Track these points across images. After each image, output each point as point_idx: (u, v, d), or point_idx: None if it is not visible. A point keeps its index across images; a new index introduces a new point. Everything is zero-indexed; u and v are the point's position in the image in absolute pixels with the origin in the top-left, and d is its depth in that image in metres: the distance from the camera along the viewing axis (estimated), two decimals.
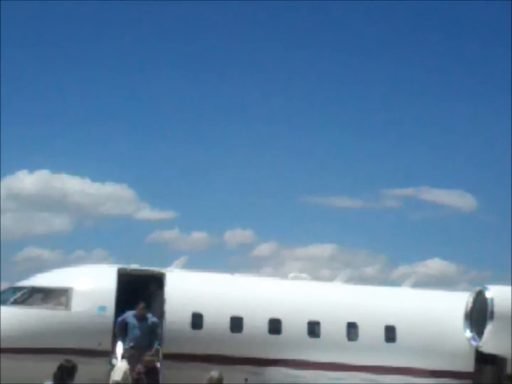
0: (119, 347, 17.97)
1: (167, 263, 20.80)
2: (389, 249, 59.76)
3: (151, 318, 18.31)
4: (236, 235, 59.28)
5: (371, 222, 57.92)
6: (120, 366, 16.97)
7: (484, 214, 56.40)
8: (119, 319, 18.02)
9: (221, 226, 60.10)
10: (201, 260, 53.08)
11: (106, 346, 17.90)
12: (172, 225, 64.65)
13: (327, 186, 58.26)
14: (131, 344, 17.67)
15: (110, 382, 16.71)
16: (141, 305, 18.14)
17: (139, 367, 17.15)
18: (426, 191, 58.45)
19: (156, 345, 17.88)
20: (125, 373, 16.65)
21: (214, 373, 12.39)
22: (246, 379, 18.28)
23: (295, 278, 21.62)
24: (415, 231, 57.79)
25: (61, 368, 10.50)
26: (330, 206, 58.16)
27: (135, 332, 17.94)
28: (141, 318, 18.12)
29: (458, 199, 57.22)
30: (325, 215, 58.52)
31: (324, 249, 57.44)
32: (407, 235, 57.86)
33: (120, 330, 18.03)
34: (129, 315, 18.07)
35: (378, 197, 60.24)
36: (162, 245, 56.82)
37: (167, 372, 17.45)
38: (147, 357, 17.36)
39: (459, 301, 20.30)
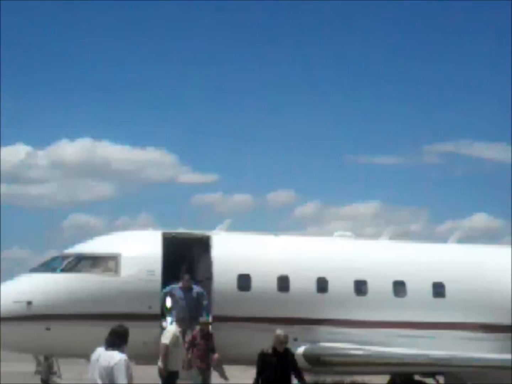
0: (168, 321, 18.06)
1: (211, 225, 20.92)
2: (433, 205, 59.61)
3: (196, 288, 18.39)
4: (279, 196, 59.39)
5: (414, 179, 57.71)
6: (170, 329, 16.85)
7: None
8: (164, 291, 18.10)
9: (264, 187, 60.34)
10: (245, 222, 53.39)
11: (156, 309, 18.09)
12: (214, 188, 65.08)
13: (368, 145, 58.13)
14: (180, 316, 17.43)
15: (160, 344, 16.59)
16: (186, 277, 18.22)
17: (194, 332, 17.15)
18: (467, 145, 57.99)
19: (205, 316, 17.74)
20: (174, 335, 16.41)
21: (280, 332, 13.64)
22: (295, 339, 18.34)
23: (340, 236, 21.60)
24: (458, 186, 57.52)
25: (113, 333, 10.54)
26: (372, 164, 58.01)
27: (181, 304, 18.04)
28: (187, 290, 18.24)
29: (500, 153, 56.70)
30: (367, 174, 58.47)
31: (368, 207, 57.44)
32: (450, 190, 57.59)
33: (163, 303, 18.18)
34: (175, 288, 18.10)
35: (420, 153, 59.90)
36: (206, 208, 57.25)
37: (216, 334, 17.57)
38: (202, 320, 17.33)
39: (506, 255, 20.16)
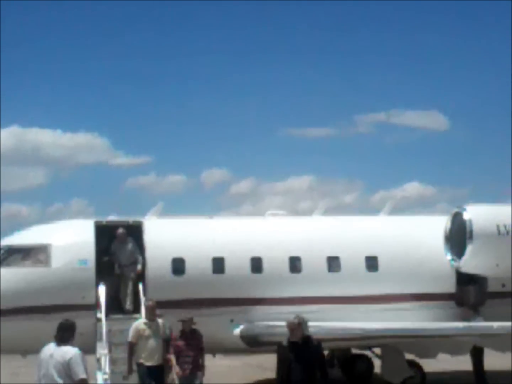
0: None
1: (146, 208, 20.97)
2: (366, 176, 60.10)
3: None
4: (213, 175, 59.31)
5: (347, 150, 58.08)
6: (133, 325, 15.85)
7: (457, 134, 56.66)
8: None
9: (197, 167, 60.12)
10: (180, 203, 53.20)
11: (90, 299, 17.91)
12: (148, 170, 64.67)
13: (300, 117, 58.23)
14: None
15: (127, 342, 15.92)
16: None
17: (172, 334, 15.58)
18: (398, 114, 58.57)
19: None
20: (135, 329, 15.51)
21: (294, 319, 11.95)
22: (232, 320, 18.41)
23: (273, 215, 21.65)
24: (390, 156, 58.10)
25: (61, 328, 10.53)
26: (304, 137, 58.20)
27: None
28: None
29: (431, 120, 57.38)
30: (300, 147, 58.61)
31: (302, 181, 57.66)
32: (383, 160, 58.12)
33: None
34: None
35: (352, 124, 60.27)
36: (140, 190, 56.86)
37: None
38: (181, 317, 15.74)
39: (437, 224, 20.37)
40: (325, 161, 56.90)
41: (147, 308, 15.80)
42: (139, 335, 15.35)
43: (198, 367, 15.07)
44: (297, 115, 58.83)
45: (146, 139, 58.08)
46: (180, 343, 15.20)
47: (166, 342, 15.27)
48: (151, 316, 15.52)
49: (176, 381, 15.09)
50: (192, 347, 15.11)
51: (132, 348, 15.43)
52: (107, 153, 58.37)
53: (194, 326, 15.54)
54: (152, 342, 15.27)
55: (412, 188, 52.72)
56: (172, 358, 15.09)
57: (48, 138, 54.77)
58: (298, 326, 11.87)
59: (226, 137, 57.68)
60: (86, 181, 57.80)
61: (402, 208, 26.01)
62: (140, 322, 15.73)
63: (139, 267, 18.52)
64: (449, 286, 19.90)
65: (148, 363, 15.14)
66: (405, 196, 47.25)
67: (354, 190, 58.74)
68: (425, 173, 60.73)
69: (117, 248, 18.81)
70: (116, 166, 58.44)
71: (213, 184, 59.56)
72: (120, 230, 18.83)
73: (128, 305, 18.46)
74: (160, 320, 15.55)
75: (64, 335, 10.44)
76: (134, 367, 15.49)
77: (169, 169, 63.29)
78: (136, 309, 18.08)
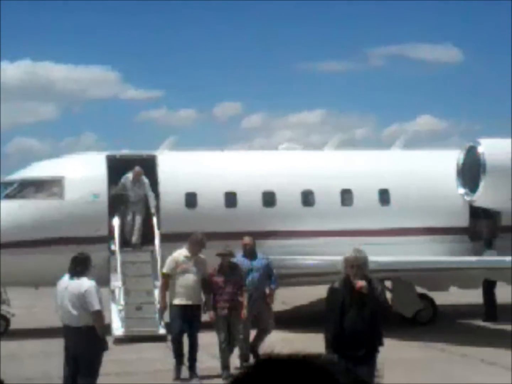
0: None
1: (158, 141, 20.95)
2: (379, 109, 59.80)
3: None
4: (225, 108, 59.08)
5: (359, 84, 57.64)
6: (172, 255, 13.76)
7: (471, 67, 56.05)
8: None
9: (209, 101, 59.89)
10: (192, 137, 53.13)
11: (103, 232, 18.02)
12: (159, 103, 64.51)
13: (312, 51, 57.69)
14: None
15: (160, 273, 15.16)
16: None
17: (211, 269, 13.41)
18: (412, 47, 57.95)
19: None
20: (173, 260, 13.45)
21: (351, 253, 9.10)
22: None
23: (286, 148, 21.59)
24: (403, 90, 57.62)
25: (75, 261, 10.61)
26: (316, 71, 57.71)
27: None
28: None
29: (445, 54, 56.73)
30: (312, 81, 58.19)
31: (314, 115, 57.52)
32: (395, 94, 57.70)
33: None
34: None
35: (364, 57, 59.71)
36: (151, 124, 56.74)
37: (165, 252, 17.53)
38: (220, 250, 13.58)
39: (451, 159, 20.28)
40: (337, 95, 56.60)
41: (192, 241, 13.54)
42: (177, 268, 13.26)
43: (236, 307, 13.04)
44: (308, 48, 58.34)
45: (158, 72, 57.74)
46: (219, 279, 13.08)
47: (204, 282, 13.21)
48: (195, 250, 13.40)
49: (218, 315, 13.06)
50: (231, 283, 13.09)
51: (167, 281, 13.42)
52: (118, 87, 58.19)
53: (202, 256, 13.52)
54: (191, 278, 13.12)
55: (425, 121, 52.47)
56: (208, 296, 13.25)
57: (60, 72, 54.47)
58: (361, 261, 9.05)
59: (238, 71, 57.33)
60: (98, 115, 57.73)
61: (415, 142, 25.87)
62: (179, 253, 13.50)
63: (154, 203, 18.45)
64: (462, 220, 19.91)
65: (183, 302, 13.02)
66: (417, 130, 47.06)
67: (366, 124, 58.38)
68: (438, 107, 60.34)
69: (129, 184, 18.69)
70: (128, 100, 58.25)
71: (224, 117, 59.38)
72: (137, 168, 18.61)
73: (136, 239, 18.47)
74: (202, 256, 13.49)
75: (79, 268, 10.52)
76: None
77: (180, 103, 62.93)
78: (147, 242, 18.21)
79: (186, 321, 13.02)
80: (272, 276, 14.24)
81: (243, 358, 13.11)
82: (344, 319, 8.85)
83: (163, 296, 13.63)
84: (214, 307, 13.01)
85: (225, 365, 12.84)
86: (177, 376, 12.90)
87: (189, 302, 13.02)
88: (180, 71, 58.47)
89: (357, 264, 8.97)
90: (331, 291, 9.17)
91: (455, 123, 64.34)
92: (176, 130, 57.98)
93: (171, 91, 58.56)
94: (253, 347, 13.67)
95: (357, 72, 57.92)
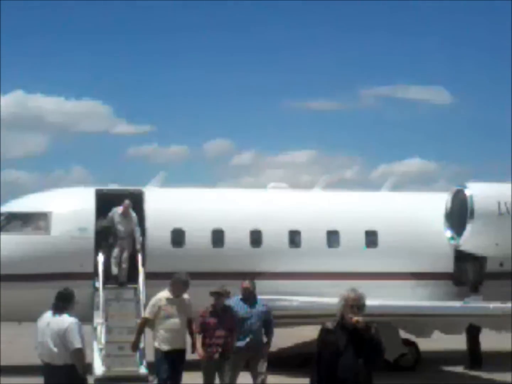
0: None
1: (148, 177, 20.95)
2: (368, 150, 59.95)
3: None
4: (216, 146, 59.18)
5: (349, 124, 57.87)
6: (154, 298, 13.07)
7: (461, 110, 56.42)
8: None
9: (200, 137, 59.95)
10: (182, 173, 53.15)
11: (88, 268, 17.92)
12: (150, 139, 64.57)
13: (303, 89, 57.91)
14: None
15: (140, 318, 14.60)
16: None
17: (203, 310, 12.86)
18: (404, 88, 58.27)
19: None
20: (154, 305, 12.74)
21: (351, 293, 8.44)
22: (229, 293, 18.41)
23: (274, 187, 21.60)
24: (393, 131, 57.89)
25: (59, 297, 10.51)
26: (307, 110, 57.95)
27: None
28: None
29: (435, 96, 57.09)
30: (303, 120, 58.38)
31: (304, 155, 57.54)
32: (385, 135, 57.92)
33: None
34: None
35: (356, 97, 60.00)
36: (142, 160, 56.78)
37: (149, 291, 17.45)
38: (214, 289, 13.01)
39: (438, 201, 20.28)
40: (327, 134, 56.77)
41: (175, 282, 12.83)
42: (158, 312, 12.55)
43: (228, 350, 12.48)
44: (300, 87, 58.60)
45: (149, 107, 57.87)
46: (211, 320, 12.55)
47: (190, 322, 12.69)
48: (179, 292, 12.70)
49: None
50: (224, 326, 12.52)
51: (144, 325, 12.90)
52: (109, 121, 58.21)
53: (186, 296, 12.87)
54: (174, 322, 12.49)
55: (414, 163, 52.69)
56: (198, 337, 12.64)
57: (51, 105, 54.53)
58: (360, 302, 8.41)
59: (230, 109, 57.52)
60: (88, 149, 57.68)
61: (403, 183, 25.94)
62: (162, 296, 12.74)
63: (140, 239, 18.41)
64: (447, 264, 19.86)
65: (168, 347, 12.39)
66: (406, 171, 47.20)
67: (356, 164, 58.62)
68: (427, 149, 60.58)
69: (117, 218, 18.60)
70: (118, 134, 58.32)
71: (215, 155, 59.46)
72: (127, 202, 18.52)
73: (123, 276, 18.37)
74: (186, 296, 12.84)
75: (62, 304, 10.43)
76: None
77: (171, 139, 63.11)
78: (132, 280, 18.11)
79: (171, 366, 12.43)
80: (271, 325, 13.39)
81: None
82: (338, 361, 8.21)
83: (136, 338, 13.15)
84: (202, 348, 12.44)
85: None
86: None
87: (175, 347, 12.43)
88: (171, 106, 58.69)
89: (357, 305, 8.37)
90: (325, 331, 8.41)
91: (444, 166, 64.67)
92: (167, 165, 58.01)
93: (163, 126, 58.67)
94: None
95: (348, 112, 58.21)
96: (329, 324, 8.46)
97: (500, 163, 48.67)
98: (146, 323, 12.79)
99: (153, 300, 12.80)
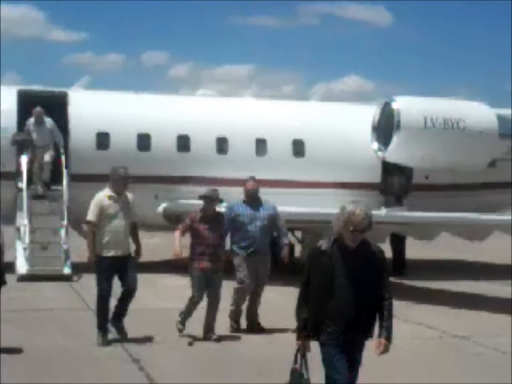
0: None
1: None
2: (307, 67, 59.79)
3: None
4: (153, 57, 58.21)
5: (289, 40, 57.45)
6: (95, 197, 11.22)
7: (400, 29, 56.47)
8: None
9: (138, 47, 58.86)
10: (118, 83, 52.29)
11: (10, 168, 17.58)
12: (86, 47, 63.12)
13: (243, 4, 57.10)
14: None
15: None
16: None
17: (192, 214, 11.50)
18: (343, 6, 57.95)
19: None
20: (98, 204, 10.98)
21: (353, 205, 6.46)
22: (156, 196, 18.33)
23: (203, 94, 21.32)
24: (332, 49, 57.71)
25: None
26: (247, 25, 57.27)
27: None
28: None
29: (376, 15, 56.98)
30: (243, 35, 57.74)
31: (243, 70, 57.03)
32: (324, 52, 57.74)
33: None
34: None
35: (295, 14, 59.42)
36: (78, 68, 55.58)
37: (74, 192, 17.21)
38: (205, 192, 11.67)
39: (367, 113, 20.29)
40: (267, 50, 56.31)
41: (114, 178, 11.16)
42: (101, 213, 10.94)
43: (219, 260, 11.30)
44: (240, 2, 57.75)
45: (86, 15, 56.42)
46: (201, 226, 11.26)
47: (134, 227, 11.24)
48: (120, 189, 11.11)
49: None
50: (215, 234, 11.30)
51: (93, 229, 10.95)
52: (44, 27, 56.59)
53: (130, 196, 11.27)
54: (119, 224, 10.96)
55: (352, 81, 52.73)
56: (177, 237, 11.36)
57: None
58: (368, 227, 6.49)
59: (169, 20, 56.45)
60: (22, 55, 56.15)
61: (340, 99, 25.89)
62: (103, 195, 11.07)
63: (62, 143, 17.99)
64: (374, 175, 20.00)
65: (112, 253, 10.83)
66: (343, 89, 47.20)
67: (294, 81, 58.32)
68: (365, 68, 60.66)
69: (32, 128, 17.96)
70: (53, 40, 56.80)
71: (152, 65, 58.56)
72: (38, 108, 17.85)
73: (39, 189, 17.83)
74: (129, 195, 11.26)
75: None
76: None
77: (108, 47, 61.80)
78: (56, 183, 17.83)
79: (114, 274, 10.99)
80: (281, 229, 12.28)
81: (207, 329, 11.22)
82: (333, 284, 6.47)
83: (92, 247, 10.91)
84: (191, 257, 11.22)
85: (184, 319, 11.36)
86: (104, 343, 10.69)
87: (119, 253, 10.88)
88: (109, 15, 57.30)
89: (362, 229, 6.43)
90: (318, 253, 6.64)
91: (382, 84, 64.90)
92: (103, 73, 56.89)
93: (99, 34, 57.34)
94: (250, 316, 12.02)
95: (287, 28, 57.72)
96: (323, 244, 6.67)
97: (436, 83, 49.02)
98: (94, 227, 10.95)
99: (94, 201, 11.04)
